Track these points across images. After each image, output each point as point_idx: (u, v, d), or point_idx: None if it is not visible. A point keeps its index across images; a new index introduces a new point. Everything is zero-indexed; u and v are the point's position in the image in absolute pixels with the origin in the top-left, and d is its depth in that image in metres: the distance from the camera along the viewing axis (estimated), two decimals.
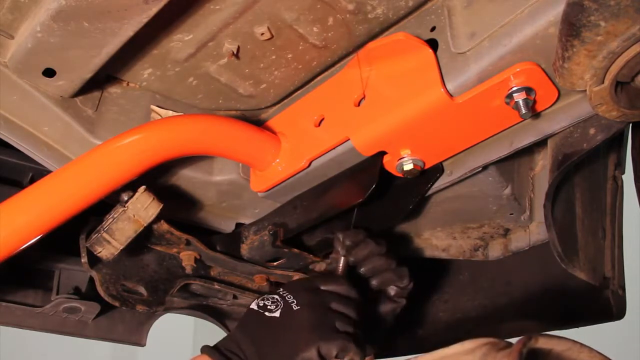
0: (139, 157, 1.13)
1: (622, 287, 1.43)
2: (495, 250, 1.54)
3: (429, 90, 1.03)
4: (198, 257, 1.39)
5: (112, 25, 1.01)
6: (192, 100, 1.31)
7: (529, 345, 0.79)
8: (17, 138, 1.18)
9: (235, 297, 1.65)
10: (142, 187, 1.19)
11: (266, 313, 1.12)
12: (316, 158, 1.21)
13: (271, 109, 1.39)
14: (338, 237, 1.27)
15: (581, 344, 0.82)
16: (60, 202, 1.10)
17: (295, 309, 1.11)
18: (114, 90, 1.27)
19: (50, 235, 1.13)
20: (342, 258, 1.26)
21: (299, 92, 1.33)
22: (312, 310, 1.11)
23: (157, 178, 1.30)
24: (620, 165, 1.46)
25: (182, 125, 1.17)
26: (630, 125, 1.26)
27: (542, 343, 0.80)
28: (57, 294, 1.56)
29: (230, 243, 1.44)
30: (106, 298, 1.33)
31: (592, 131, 1.05)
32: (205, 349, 1.10)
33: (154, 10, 0.98)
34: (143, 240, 1.31)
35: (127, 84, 1.28)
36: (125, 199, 1.18)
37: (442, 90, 1.02)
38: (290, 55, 1.21)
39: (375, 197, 1.26)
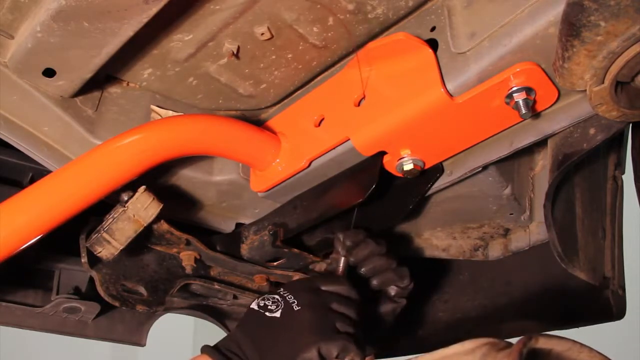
0: (139, 157, 1.13)
1: (622, 287, 1.43)
2: (495, 250, 1.54)
3: (429, 90, 1.03)
4: (198, 257, 1.39)
5: (112, 25, 1.01)
6: (192, 100, 1.31)
7: (529, 345, 0.79)
8: (17, 138, 1.18)
9: (235, 297, 1.64)
10: (142, 187, 1.19)
11: (267, 313, 1.12)
12: (316, 158, 1.21)
13: (271, 109, 1.38)
14: (338, 237, 1.27)
15: (581, 344, 0.82)
16: (60, 202, 1.10)
17: (296, 309, 1.11)
18: (114, 90, 1.27)
19: (50, 235, 1.13)
20: (343, 258, 1.26)
21: (299, 92, 1.33)
22: (313, 311, 1.11)
23: (157, 178, 1.30)
24: (620, 165, 1.46)
25: (182, 125, 1.17)
26: (630, 125, 1.26)
27: (542, 343, 0.80)
28: (57, 294, 1.56)
29: (230, 243, 1.44)
30: (106, 298, 1.33)
31: (592, 131, 1.05)
32: (205, 349, 1.10)
33: (154, 10, 0.98)
34: (143, 240, 1.31)
35: (127, 84, 1.28)
36: (125, 199, 1.18)
37: (442, 90, 1.02)
38: (290, 55, 1.21)
39: (375, 197, 1.25)
